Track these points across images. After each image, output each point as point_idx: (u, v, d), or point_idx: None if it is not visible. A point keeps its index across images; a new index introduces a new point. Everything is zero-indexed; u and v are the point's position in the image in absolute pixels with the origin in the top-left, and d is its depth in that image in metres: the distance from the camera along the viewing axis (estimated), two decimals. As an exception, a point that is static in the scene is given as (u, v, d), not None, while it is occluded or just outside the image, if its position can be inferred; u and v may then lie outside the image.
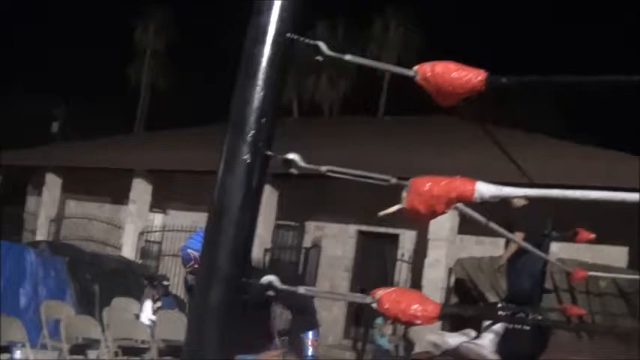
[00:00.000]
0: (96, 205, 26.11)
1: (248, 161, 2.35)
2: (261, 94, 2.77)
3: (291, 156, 2.63)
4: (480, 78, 3.31)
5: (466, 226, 17.83)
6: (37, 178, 27.97)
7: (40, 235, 25.47)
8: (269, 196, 19.88)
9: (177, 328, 12.26)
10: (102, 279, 15.52)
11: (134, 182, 23.19)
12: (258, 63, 2.70)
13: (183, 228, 21.89)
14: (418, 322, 3.08)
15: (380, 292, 3.18)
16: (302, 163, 2.59)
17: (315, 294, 2.31)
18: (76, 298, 14.39)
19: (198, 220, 21.71)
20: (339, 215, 20.17)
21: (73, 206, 27.16)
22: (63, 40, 48.17)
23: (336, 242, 20.55)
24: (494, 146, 16.27)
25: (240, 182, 2.38)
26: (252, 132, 2.46)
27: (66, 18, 49.22)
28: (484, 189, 3.50)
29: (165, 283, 14.29)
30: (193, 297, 3.39)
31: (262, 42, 2.75)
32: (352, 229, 20.52)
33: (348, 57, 3.08)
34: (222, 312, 2.23)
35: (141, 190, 23.13)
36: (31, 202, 29.39)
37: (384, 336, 16.23)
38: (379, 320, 15.69)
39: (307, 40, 2.85)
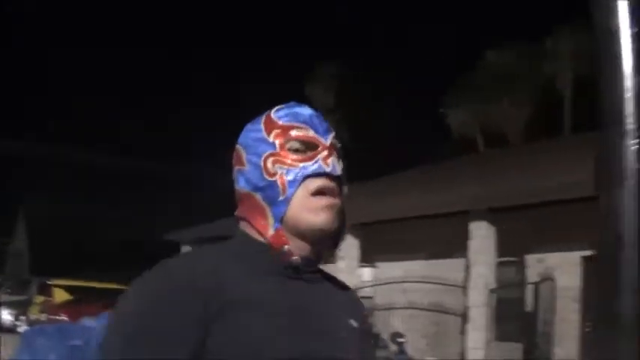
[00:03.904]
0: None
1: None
2: (635, 79, 2.13)
3: None
4: None
5: None
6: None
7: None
8: (486, 233, 19.07)
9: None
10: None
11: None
12: (622, 40, 2.12)
13: (395, 279, 21.32)
14: None
15: None
16: None
17: None
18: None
19: (409, 269, 21.16)
20: (562, 243, 19.07)
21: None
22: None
23: (561, 273, 19.43)
24: None
25: (636, 198, 1.95)
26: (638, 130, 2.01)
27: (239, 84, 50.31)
28: None
29: (400, 340, 13.56)
30: None
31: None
32: (577, 256, 19.29)
33: None
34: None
35: (348, 245, 22.53)
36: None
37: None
38: None
39: None
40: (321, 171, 2.04)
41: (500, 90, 39.37)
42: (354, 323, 2.07)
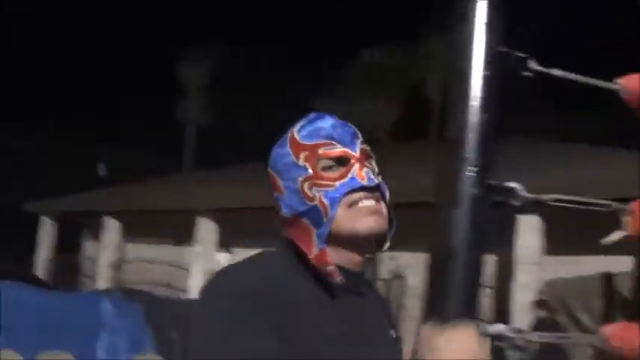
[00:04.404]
0: (157, 247, 25.76)
1: (475, 193, 2.15)
2: (482, 116, 2.36)
3: (513, 185, 2.28)
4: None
5: (549, 247, 17.25)
6: (93, 222, 27.83)
7: (101, 281, 25.40)
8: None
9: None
10: (179, 326, 14.97)
11: (199, 222, 22.80)
12: (472, 81, 2.34)
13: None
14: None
15: (606, 330, 2.74)
16: (525, 193, 2.24)
17: (545, 338, 2.02)
18: (156, 347, 13.84)
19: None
20: (412, 243, 19.53)
21: (132, 250, 26.84)
22: (103, 77, 48.58)
23: (410, 271, 19.90)
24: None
25: (468, 218, 2.17)
26: (476, 160, 2.21)
27: (106, 56, 49.67)
28: None
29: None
30: None
31: (473, 56, 2.37)
32: (425, 256, 19.76)
33: (556, 72, 2.65)
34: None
35: (206, 229, 22.70)
36: (87, 247, 29.28)
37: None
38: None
39: (518, 54, 2.51)
40: (357, 186, 2.18)
41: (370, 90, 39.92)
42: (393, 334, 2.35)
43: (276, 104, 44.69)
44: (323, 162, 2.19)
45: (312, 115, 2.31)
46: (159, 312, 15.10)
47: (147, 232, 26.08)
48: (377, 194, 2.23)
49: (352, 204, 2.17)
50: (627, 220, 2.72)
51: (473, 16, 2.38)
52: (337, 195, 2.15)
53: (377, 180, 2.23)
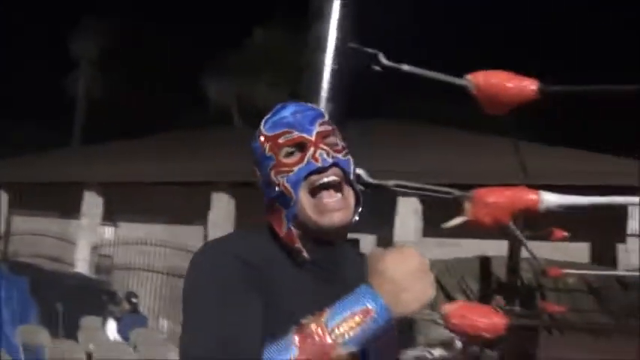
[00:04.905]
0: (44, 220, 25.55)
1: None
2: (328, 106, 2.58)
3: (359, 171, 2.45)
4: (533, 87, 3.17)
5: (427, 228, 17.64)
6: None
7: (-11, 254, 25.06)
8: (227, 205, 19.79)
9: (159, 348, 11.90)
10: (64, 298, 15.06)
11: (85, 195, 22.78)
12: (322, 74, 2.53)
13: (136, 241, 21.62)
14: (486, 335, 2.92)
15: (446, 308, 2.99)
16: (368, 178, 2.39)
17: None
18: (40, 319, 13.94)
19: (150, 232, 21.47)
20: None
21: (20, 222, 26.56)
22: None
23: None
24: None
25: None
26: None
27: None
28: (550, 198, 3.34)
29: (134, 300, 13.94)
30: None
31: (324, 51, 2.58)
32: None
33: (405, 67, 2.91)
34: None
35: (92, 203, 22.71)
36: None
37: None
38: None
39: (368, 50, 2.67)
40: (313, 168, 2.29)
41: (261, 69, 39.77)
42: None
43: (168, 80, 44.30)
44: (284, 150, 2.34)
45: (278, 106, 2.44)
46: (45, 284, 15.21)
47: (34, 205, 25.81)
48: (336, 169, 2.32)
49: (313, 192, 2.30)
50: (468, 206, 3.02)
51: (328, 12, 2.58)
52: (296, 178, 2.31)
53: (331, 159, 2.32)
